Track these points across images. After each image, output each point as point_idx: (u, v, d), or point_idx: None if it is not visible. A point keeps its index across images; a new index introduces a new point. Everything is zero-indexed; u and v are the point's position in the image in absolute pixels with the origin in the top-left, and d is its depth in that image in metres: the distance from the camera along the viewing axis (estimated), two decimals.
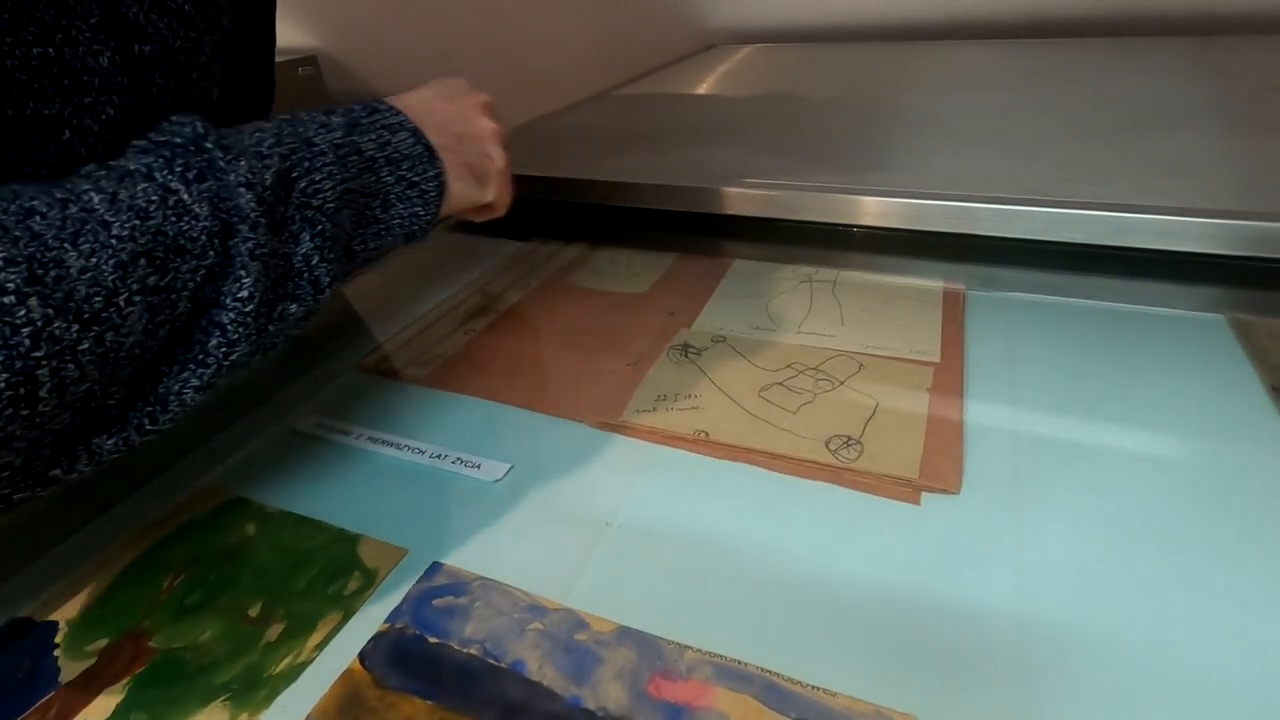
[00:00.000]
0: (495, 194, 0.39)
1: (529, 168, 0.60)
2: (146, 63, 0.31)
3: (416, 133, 0.34)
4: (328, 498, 0.35)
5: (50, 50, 0.27)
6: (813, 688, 0.25)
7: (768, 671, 0.25)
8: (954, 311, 0.46)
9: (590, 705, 0.25)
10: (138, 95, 0.31)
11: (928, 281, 0.49)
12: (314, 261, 0.29)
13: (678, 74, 0.98)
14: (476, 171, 0.37)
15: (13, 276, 0.20)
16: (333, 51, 1.70)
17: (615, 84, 0.94)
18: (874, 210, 0.47)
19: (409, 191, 0.34)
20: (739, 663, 0.26)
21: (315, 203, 0.29)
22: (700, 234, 0.59)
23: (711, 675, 0.25)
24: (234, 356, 0.26)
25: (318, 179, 0.29)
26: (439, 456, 0.37)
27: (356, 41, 1.68)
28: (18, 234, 0.21)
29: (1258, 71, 0.72)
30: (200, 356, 0.26)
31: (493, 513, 0.33)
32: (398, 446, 0.38)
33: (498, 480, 0.35)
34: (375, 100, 0.35)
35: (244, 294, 0.26)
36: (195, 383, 0.26)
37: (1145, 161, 0.49)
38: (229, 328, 0.26)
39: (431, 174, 0.34)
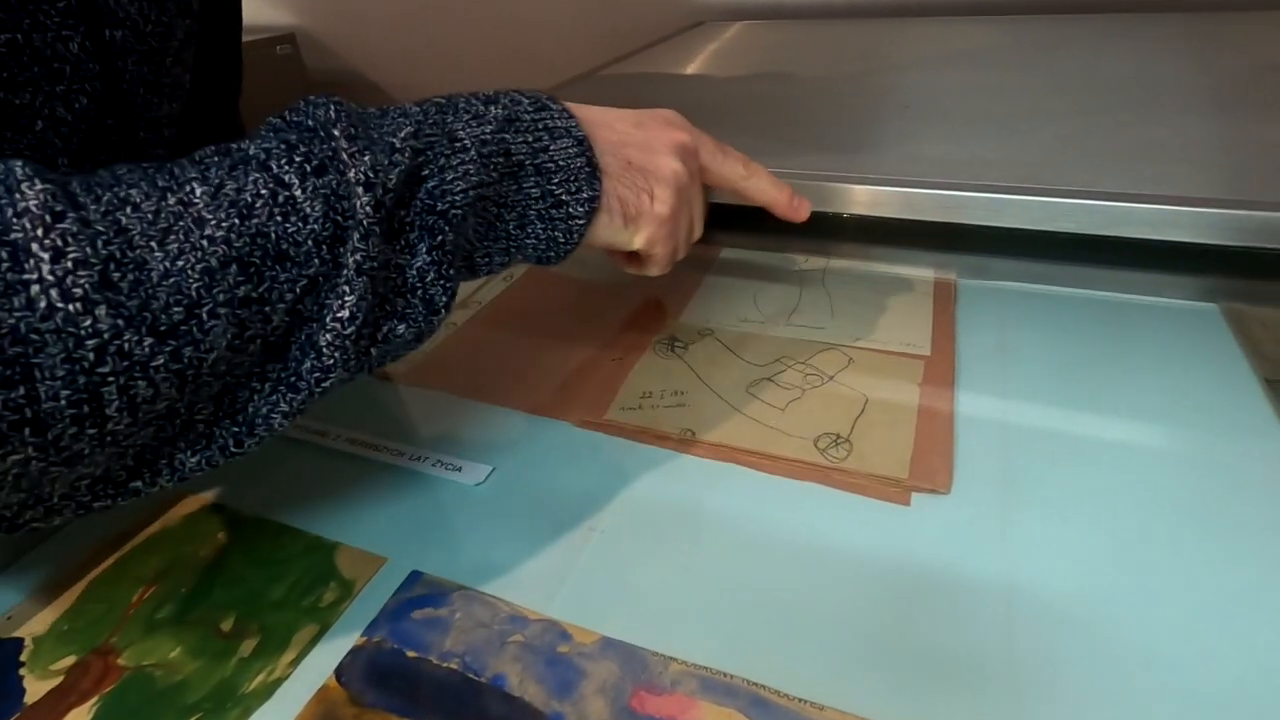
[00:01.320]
0: (644, 243, 0.33)
1: None
2: (118, 49, 0.30)
3: (583, 143, 0.29)
4: (304, 503, 0.34)
5: (18, 36, 0.25)
6: (800, 700, 0.24)
7: (754, 684, 0.25)
8: (945, 302, 0.45)
9: None
10: (110, 83, 0.29)
11: (919, 271, 0.48)
12: (429, 278, 0.25)
13: (665, 53, 0.96)
14: (629, 208, 0.31)
15: (81, 280, 0.18)
16: (312, 29, 1.66)
17: (601, 63, 0.92)
18: (864, 199, 0.46)
19: (554, 210, 0.29)
20: (724, 675, 0.25)
21: (440, 207, 0.25)
22: None
23: (696, 689, 0.25)
24: (327, 383, 0.23)
25: (449, 179, 0.25)
26: (419, 459, 0.36)
27: (337, 19, 1.64)
28: (101, 229, 0.19)
29: (1251, 50, 0.71)
30: (292, 379, 0.23)
31: (474, 518, 0.33)
32: (376, 448, 0.37)
33: (479, 484, 0.34)
34: (548, 95, 0.30)
35: (345, 313, 0.23)
36: (285, 408, 0.23)
37: (1139, 146, 0.48)
38: (324, 350, 0.23)
39: (586, 195, 0.29)
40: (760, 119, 0.63)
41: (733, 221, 0.55)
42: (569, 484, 0.34)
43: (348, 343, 0.23)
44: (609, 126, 0.31)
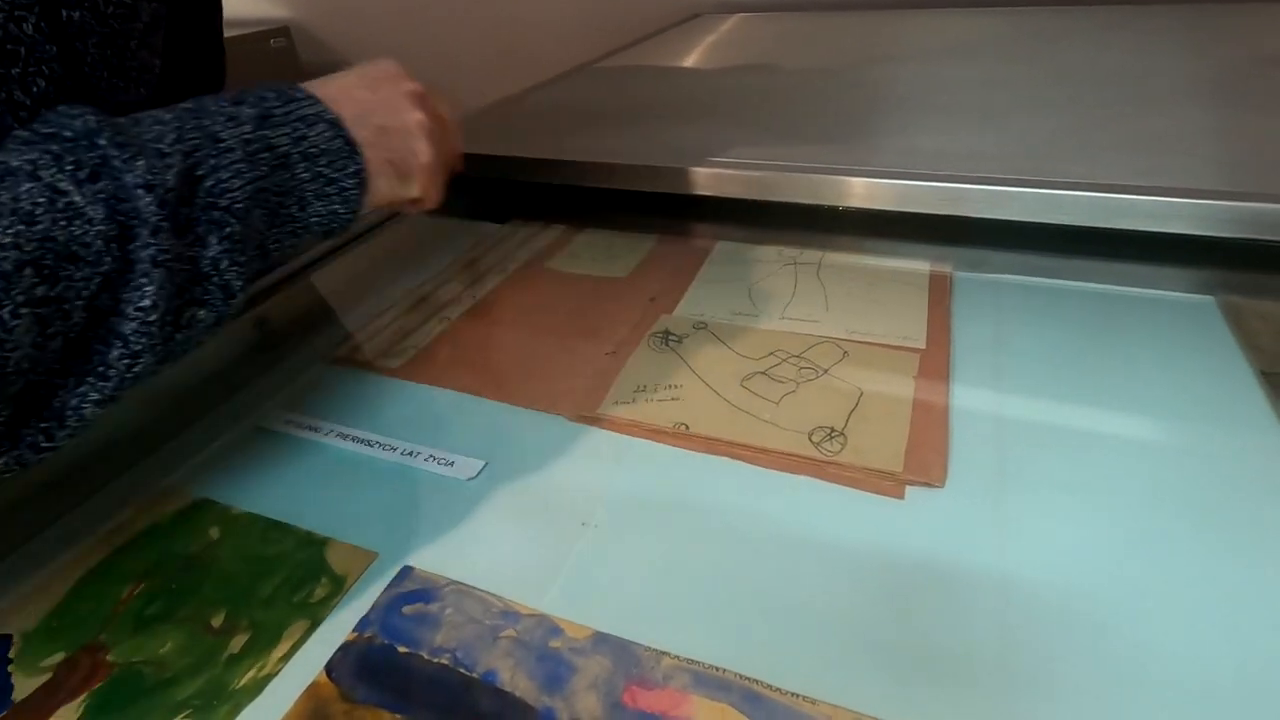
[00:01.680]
0: (421, 189, 0.36)
1: (504, 147, 0.58)
2: (76, 29, 0.29)
3: (336, 124, 0.32)
4: (295, 499, 0.34)
5: None
6: (793, 695, 0.24)
7: (746, 678, 0.25)
8: (940, 295, 0.45)
9: (564, 717, 0.24)
10: (69, 65, 0.29)
11: (914, 264, 0.48)
12: (223, 265, 0.27)
13: (661, 45, 0.95)
14: (400, 168, 0.35)
15: None
16: (306, 22, 1.65)
17: (596, 56, 0.91)
18: (860, 191, 0.46)
19: (328, 189, 0.32)
20: (717, 669, 0.25)
21: (223, 203, 0.27)
22: (682, 215, 0.57)
23: (689, 683, 0.25)
24: (137, 368, 0.25)
25: (225, 177, 0.27)
26: (411, 454, 0.36)
27: (331, 12, 1.63)
28: None
29: (1248, 42, 0.71)
30: (100, 369, 0.24)
31: (466, 512, 0.32)
32: (368, 443, 0.37)
33: (471, 478, 0.34)
34: (290, 86, 0.32)
35: (146, 302, 0.24)
36: (95, 396, 0.24)
37: (1135, 138, 0.48)
38: (131, 338, 0.24)
39: (351, 169, 0.32)
40: (757, 111, 0.63)
41: (727, 214, 0.55)
42: (562, 478, 0.34)
43: (153, 329, 0.25)
44: (350, 100, 0.33)
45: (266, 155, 0.29)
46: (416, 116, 0.35)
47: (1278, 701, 0.23)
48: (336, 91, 0.34)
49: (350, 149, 0.32)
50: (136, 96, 0.34)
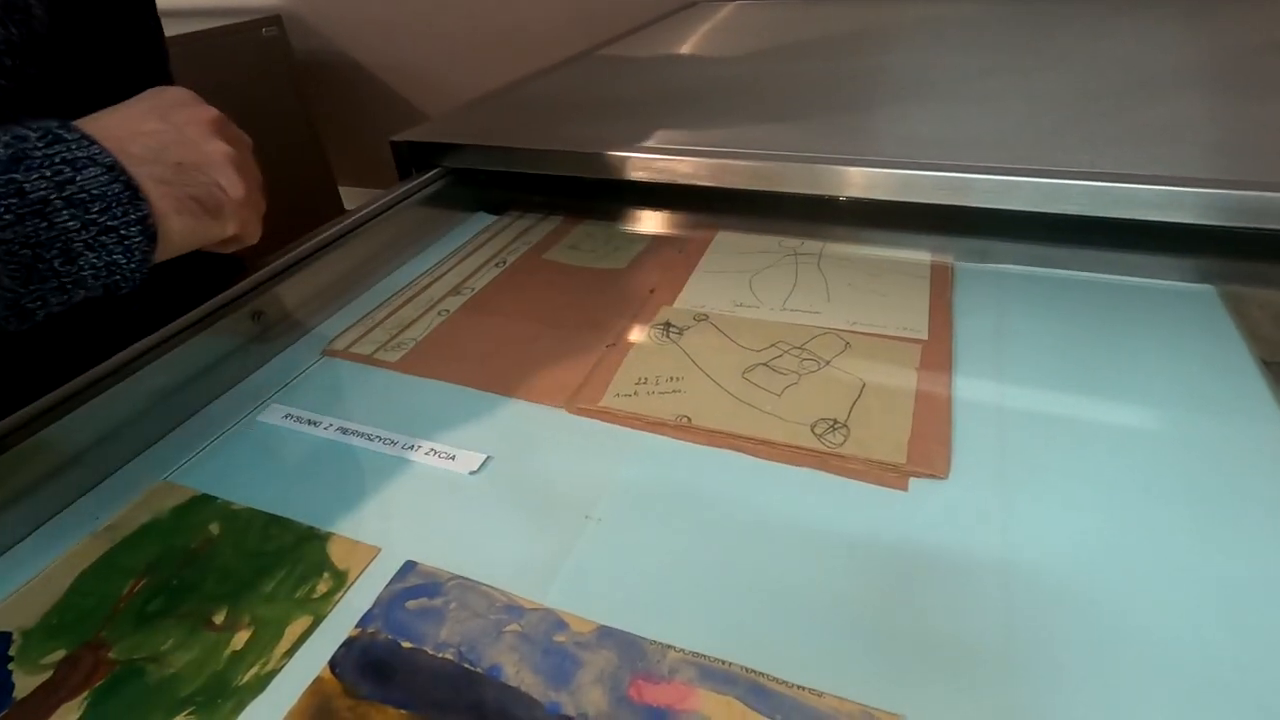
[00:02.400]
0: (238, 225, 0.33)
1: (499, 137, 0.57)
2: None
3: (114, 168, 0.28)
4: (295, 494, 0.34)
5: None
6: (798, 687, 0.24)
7: (752, 671, 0.25)
8: (942, 286, 0.45)
9: (570, 711, 0.24)
10: None
11: (916, 254, 0.48)
12: None
13: (658, 34, 0.94)
14: (207, 204, 0.31)
15: None
16: (298, 10, 1.63)
17: (594, 44, 0.90)
18: (861, 181, 0.45)
19: (103, 238, 0.28)
20: (722, 663, 0.25)
21: None
22: (682, 205, 0.57)
23: (694, 677, 0.25)
24: None
25: None
26: (412, 448, 0.35)
27: (323, 0, 1.61)
28: None
29: (1249, 31, 0.71)
30: None
31: (468, 506, 0.32)
32: (369, 438, 0.36)
33: (473, 472, 0.34)
34: (61, 125, 0.28)
35: None
36: None
37: (1138, 127, 0.48)
38: None
39: (134, 217, 0.28)
40: (755, 100, 0.63)
41: (727, 204, 0.54)
42: (564, 472, 0.34)
43: None
44: (137, 136, 0.30)
45: (14, 202, 0.26)
46: (219, 147, 0.32)
47: (1276, 687, 0.23)
48: (118, 126, 0.30)
49: (131, 193, 0.29)
50: (6, 35, 0.32)
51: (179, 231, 0.30)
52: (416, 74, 1.66)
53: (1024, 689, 0.24)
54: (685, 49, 0.86)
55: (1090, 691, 0.23)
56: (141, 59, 0.44)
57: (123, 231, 0.28)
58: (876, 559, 0.28)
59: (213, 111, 0.34)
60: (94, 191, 0.28)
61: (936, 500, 0.31)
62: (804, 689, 0.24)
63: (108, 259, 0.28)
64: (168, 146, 0.31)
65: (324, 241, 0.48)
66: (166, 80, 0.47)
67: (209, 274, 0.42)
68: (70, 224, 0.27)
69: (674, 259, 0.50)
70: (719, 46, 0.86)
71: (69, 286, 0.28)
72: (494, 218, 0.60)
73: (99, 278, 0.29)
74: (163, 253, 0.30)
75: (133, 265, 0.29)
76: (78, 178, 0.27)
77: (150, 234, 0.29)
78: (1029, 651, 0.25)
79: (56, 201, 0.27)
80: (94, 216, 0.28)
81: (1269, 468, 0.31)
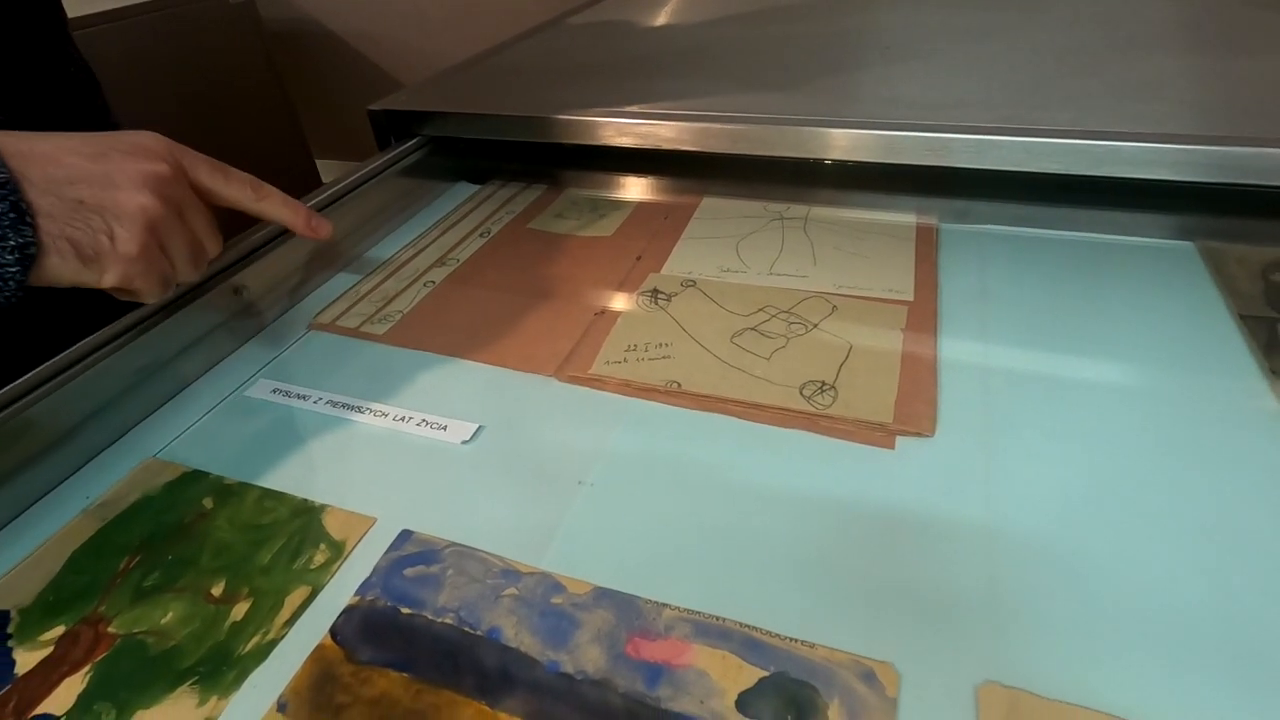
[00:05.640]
0: (119, 279, 0.31)
1: (478, 104, 0.56)
2: None
3: (6, 186, 0.27)
4: (288, 467, 0.34)
5: None
6: (791, 640, 0.25)
7: (746, 626, 0.25)
8: (927, 247, 0.45)
9: (569, 669, 0.24)
10: None
11: (900, 216, 0.48)
12: None
13: None
14: (84, 249, 0.29)
15: None
16: None
17: (570, 9, 0.88)
18: (844, 143, 0.45)
19: None
20: (717, 619, 0.26)
21: None
22: (666, 171, 0.56)
23: (690, 633, 0.25)
24: None
25: None
26: (403, 419, 0.36)
27: None
28: None
29: None
30: None
31: (462, 475, 0.33)
32: (359, 410, 0.36)
33: (466, 441, 0.34)
34: None
35: None
36: None
37: (1119, 84, 0.48)
38: None
39: (14, 243, 0.27)
40: (737, 63, 0.62)
41: (711, 169, 0.54)
42: (556, 439, 0.34)
43: None
44: (56, 163, 0.29)
45: None
46: (137, 200, 0.30)
47: (1256, 635, 0.24)
48: (46, 148, 0.29)
49: (18, 217, 0.27)
50: None
51: (51, 270, 0.29)
52: (390, 43, 1.61)
53: (1008, 638, 0.25)
54: (664, 12, 0.84)
55: (1072, 640, 0.24)
56: (38, 35, 0.42)
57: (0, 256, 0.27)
58: (865, 516, 0.29)
59: (163, 165, 0.32)
60: None
61: (923, 458, 0.31)
62: (797, 641, 0.25)
63: None
64: (75, 182, 0.29)
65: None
66: (64, 55, 0.45)
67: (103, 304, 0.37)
68: None
69: (660, 225, 0.50)
70: (698, 9, 0.84)
71: None
72: (476, 187, 0.59)
73: None
74: (36, 280, 0.29)
75: (4, 291, 0.28)
76: None
77: (25, 262, 0.28)
78: (1012, 602, 0.26)
79: None
80: None
81: (1245, 420, 0.32)
